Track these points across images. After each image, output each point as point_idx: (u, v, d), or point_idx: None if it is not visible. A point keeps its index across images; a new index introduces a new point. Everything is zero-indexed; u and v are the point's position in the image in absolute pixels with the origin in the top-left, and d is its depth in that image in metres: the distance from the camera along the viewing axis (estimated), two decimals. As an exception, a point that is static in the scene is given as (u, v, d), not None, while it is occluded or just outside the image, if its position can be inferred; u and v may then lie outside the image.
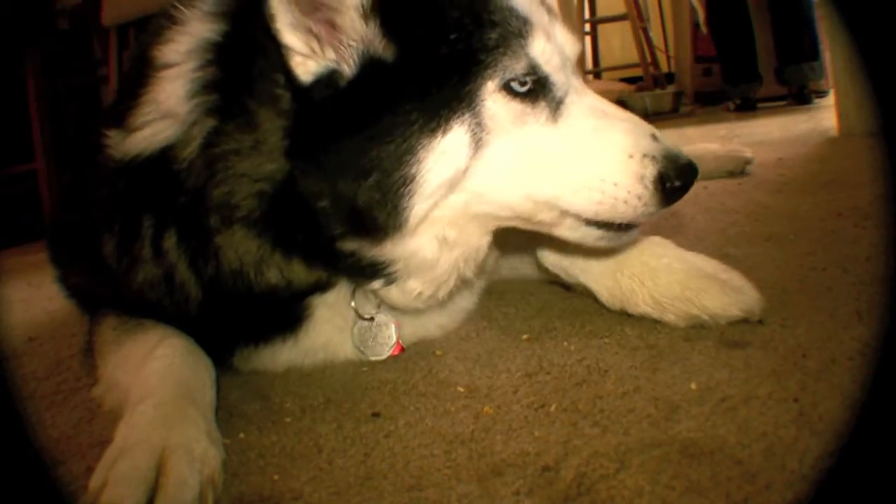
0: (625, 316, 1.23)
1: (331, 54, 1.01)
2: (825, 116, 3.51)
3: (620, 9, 6.46)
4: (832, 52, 3.26)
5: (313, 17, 0.99)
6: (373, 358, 1.23)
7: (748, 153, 2.48)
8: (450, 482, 0.85)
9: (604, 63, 7.35)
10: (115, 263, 1.20)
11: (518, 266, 1.53)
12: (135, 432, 0.94)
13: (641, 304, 1.20)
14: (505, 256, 1.54)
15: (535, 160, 1.04)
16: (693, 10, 5.81)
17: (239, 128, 1.06)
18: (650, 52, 6.59)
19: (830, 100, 3.20)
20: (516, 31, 1.03)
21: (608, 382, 1.03)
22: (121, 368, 1.16)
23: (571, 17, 6.92)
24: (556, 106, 1.06)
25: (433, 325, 1.31)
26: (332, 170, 1.02)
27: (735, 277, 1.17)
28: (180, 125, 1.09)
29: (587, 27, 6.95)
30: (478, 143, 1.02)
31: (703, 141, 3.68)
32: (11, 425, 0.85)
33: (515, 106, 1.03)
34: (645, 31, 6.64)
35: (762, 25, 4.65)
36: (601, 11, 6.99)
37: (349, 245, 1.08)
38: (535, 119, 1.05)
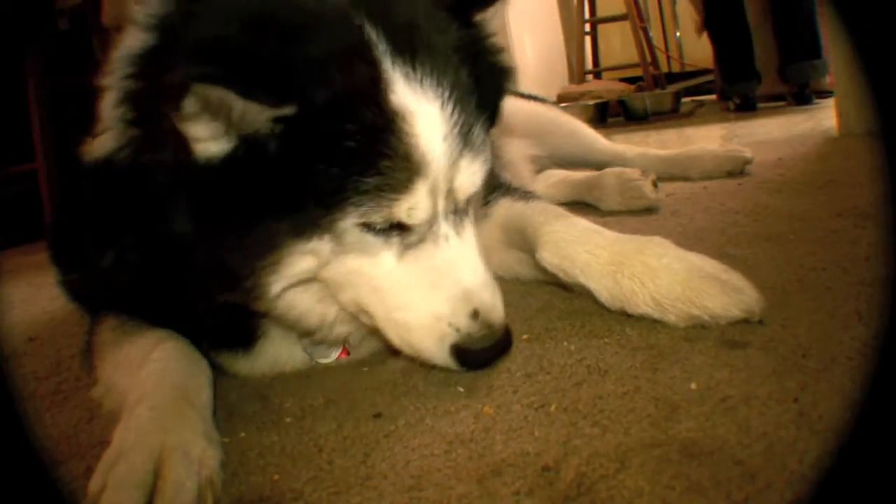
0: (625, 316, 1.23)
1: (230, 140, 0.96)
2: (825, 116, 3.51)
3: (620, 9, 6.45)
4: (832, 52, 3.25)
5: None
6: (322, 361, 1.27)
7: (748, 153, 2.47)
8: (450, 482, 0.85)
9: (604, 63, 7.32)
10: (94, 254, 1.24)
11: (515, 266, 1.53)
12: (132, 435, 0.94)
13: (642, 304, 1.20)
14: (502, 256, 1.54)
15: (369, 281, 1.09)
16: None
17: (153, 144, 1.04)
18: (650, 52, 6.59)
19: (832, 99, 3.19)
20: (394, 184, 0.99)
21: (608, 382, 1.03)
22: (119, 370, 1.16)
23: (571, 17, 6.92)
24: (407, 247, 1.08)
25: None
26: (210, 229, 1.03)
27: (735, 278, 1.16)
28: (113, 133, 1.11)
29: (587, 27, 6.94)
30: (335, 253, 1.05)
31: (702, 141, 3.69)
32: (12, 425, 0.85)
33: (370, 238, 1.05)
34: (645, 31, 6.63)
35: (763, 26, 4.65)
36: (601, 11, 6.97)
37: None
38: (385, 250, 1.07)
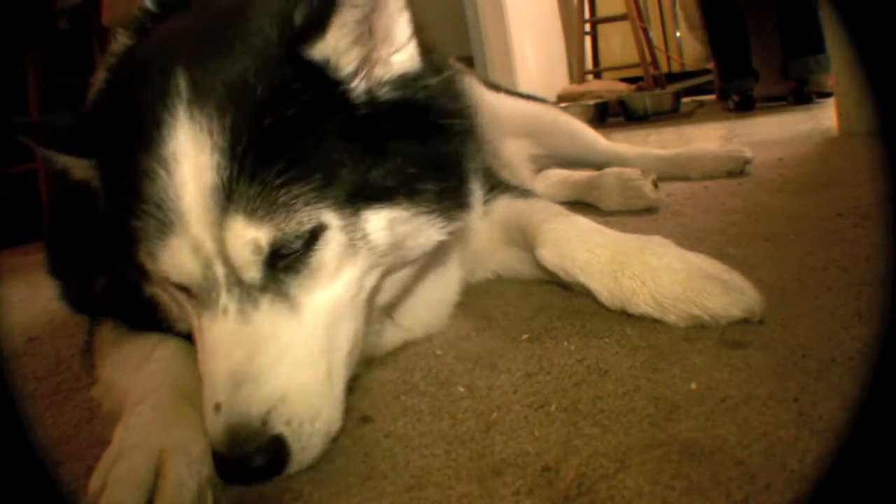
0: (625, 316, 1.23)
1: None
2: (825, 116, 3.51)
3: (620, 9, 6.46)
4: (832, 52, 3.25)
5: None
6: None
7: (748, 153, 2.47)
8: (450, 482, 0.85)
9: (604, 63, 7.33)
10: (86, 277, 1.27)
11: (515, 264, 1.53)
12: (132, 434, 0.94)
13: (642, 304, 1.20)
14: (502, 255, 1.54)
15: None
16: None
17: None
18: (650, 52, 6.59)
19: (832, 99, 3.19)
20: (151, 232, 0.92)
21: (608, 382, 1.03)
22: (119, 369, 1.16)
23: (571, 17, 6.93)
24: (199, 316, 0.96)
25: (418, 325, 1.31)
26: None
27: (736, 277, 1.16)
28: (88, 165, 1.12)
29: (587, 27, 6.95)
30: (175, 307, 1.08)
31: (702, 141, 3.69)
32: (11, 425, 0.85)
33: (178, 296, 1.00)
34: (645, 31, 6.63)
35: (763, 25, 4.65)
36: (601, 11, 6.97)
37: None
38: (193, 315, 0.98)
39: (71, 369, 1.48)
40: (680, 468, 0.79)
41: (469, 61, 5.51)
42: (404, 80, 1.03)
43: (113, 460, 0.89)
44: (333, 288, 0.97)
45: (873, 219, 1.59)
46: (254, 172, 0.90)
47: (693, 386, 0.97)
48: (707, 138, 3.90)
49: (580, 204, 2.29)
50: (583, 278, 1.27)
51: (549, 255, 1.32)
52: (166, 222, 0.91)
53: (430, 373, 1.17)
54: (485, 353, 1.21)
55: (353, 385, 1.16)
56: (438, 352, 1.24)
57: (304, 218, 0.92)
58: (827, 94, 4.28)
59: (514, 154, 2.28)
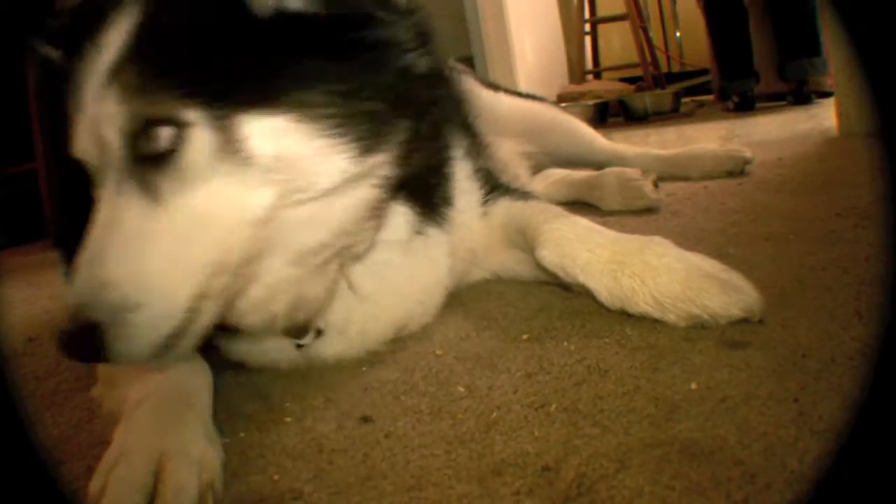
0: (625, 316, 1.23)
1: None
2: (825, 116, 3.51)
3: (620, 9, 6.46)
4: (832, 52, 3.26)
5: None
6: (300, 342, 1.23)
7: (748, 153, 2.47)
8: (450, 482, 0.85)
9: (604, 63, 7.33)
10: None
11: (515, 266, 1.53)
12: (132, 436, 0.94)
13: (642, 303, 1.20)
14: (502, 256, 1.54)
15: None
16: None
17: None
18: (650, 52, 6.59)
19: (832, 99, 3.20)
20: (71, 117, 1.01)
21: (608, 382, 1.03)
22: (119, 370, 1.16)
23: (571, 17, 6.93)
24: None
25: (410, 305, 1.31)
26: None
27: (735, 277, 1.16)
28: None
29: (587, 27, 6.95)
30: None
31: (702, 141, 3.69)
32: (11, 425, 0.84)
33: None
34: (645, 31, 6.63)
35: (762, 24, 4.66)
36: (601, 11, 6.97)
37: None
38: None
39: (71, 369, 1.48)
40: (680, 468, 0.79)
41: (469, 61, 5.51)
42: None
43: (113, 462, 0.89)
44: (208, 195, 0.94)
45: (873, 219, 1.59)
46: (132, 64, 0.94)
47: (693, 386, 0.97)
48: (707, 138, 3.89)
49: (580, 204, 2.29)
50: (583, 278, 1.27)
51: (549, 256, 1.32)
52: (76, 103, 0.99)
53: (430, 373, 1.17)
54: (485, 353, 1.21)
55: (356, 385, 1.15)
56: (438, 352, 1.24)
57: (161, 109, 0.92)
58: (827, 94, 4.29)
59: (512, 153, 2.28)
